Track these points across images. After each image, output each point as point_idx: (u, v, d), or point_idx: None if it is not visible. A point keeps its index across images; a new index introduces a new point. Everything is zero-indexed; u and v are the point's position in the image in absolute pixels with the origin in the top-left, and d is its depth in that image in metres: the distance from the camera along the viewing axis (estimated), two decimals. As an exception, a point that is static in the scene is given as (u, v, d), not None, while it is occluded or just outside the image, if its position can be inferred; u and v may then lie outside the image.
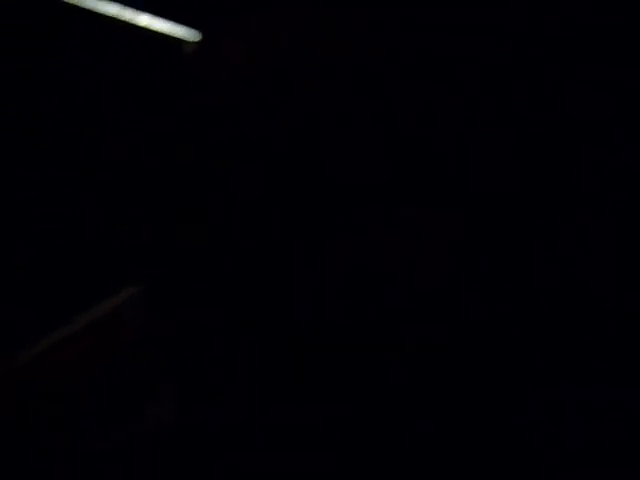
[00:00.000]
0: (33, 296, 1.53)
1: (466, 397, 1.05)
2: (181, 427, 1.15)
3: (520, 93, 1.00)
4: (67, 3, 1.53)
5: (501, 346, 1.06)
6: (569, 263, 1.03)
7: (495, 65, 1.01)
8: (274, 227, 1.09)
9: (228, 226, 1.13)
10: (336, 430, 1.08)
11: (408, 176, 1.05)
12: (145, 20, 1.56)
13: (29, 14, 1.57)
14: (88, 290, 1.47)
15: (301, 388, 1.11)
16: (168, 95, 1.44)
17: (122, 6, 1.57)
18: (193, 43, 1.48)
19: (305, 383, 1.10)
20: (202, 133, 1.20)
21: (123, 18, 1.55)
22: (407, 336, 1.05)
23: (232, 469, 1.11)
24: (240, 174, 1.11)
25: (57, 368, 1.39)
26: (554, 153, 1.02)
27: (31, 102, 1.58)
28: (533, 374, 1.02)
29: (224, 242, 1.12)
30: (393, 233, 1.06)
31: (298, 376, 1.11)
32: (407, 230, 1.05)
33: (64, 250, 1.56)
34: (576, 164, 0.99)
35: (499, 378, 1.05)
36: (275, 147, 1.09)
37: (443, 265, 1.02)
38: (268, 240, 1.10)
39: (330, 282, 1.08)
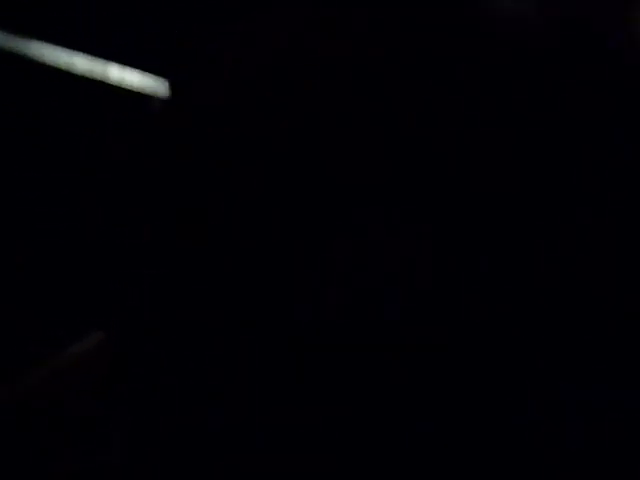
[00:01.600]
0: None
1: (466, 397, 1.06)
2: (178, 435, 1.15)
3: (521, 94, 1.00)
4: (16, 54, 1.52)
5: (500, 347, 1.06)
6: (568, 263, 1.03)
7: (494, 66, 1.01)
8: (273, 228, 1.09)
9: (227, 227, 1.12)
10: (336, 430, 1.09)
11: (408, 177, 1.05)
12: (105, 70, 1.54)
13: None
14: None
15: (301, 388, 1.11)
16: (131, 150, 1.44)
17: (89, 57, 1.56)
18: (160, 95, 1.46)
19: (305, 383, 1.10)
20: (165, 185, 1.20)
21: (82, 72, 1.54)
22: (406, 336, 1.05)
23: (232, 470, 1.11)
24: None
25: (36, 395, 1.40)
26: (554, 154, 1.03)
27: None
28: (533, 374, 1.02)
29: (223, 243, 1.11)
30: (393, 233, 1.06)
31: (298, 376, 1.11)
32: (406, 230, 1.05)
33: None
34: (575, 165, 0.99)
35: (498, 378, 1.05)
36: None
37: (443, 264, 1.02)
38: (267, 241, 1.09)
39: (330, 282, 1.08)
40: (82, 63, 1.52)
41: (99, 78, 1.51)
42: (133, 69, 1.50)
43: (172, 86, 1.33)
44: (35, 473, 1.34)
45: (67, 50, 1.53)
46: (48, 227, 1.50)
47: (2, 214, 1.52)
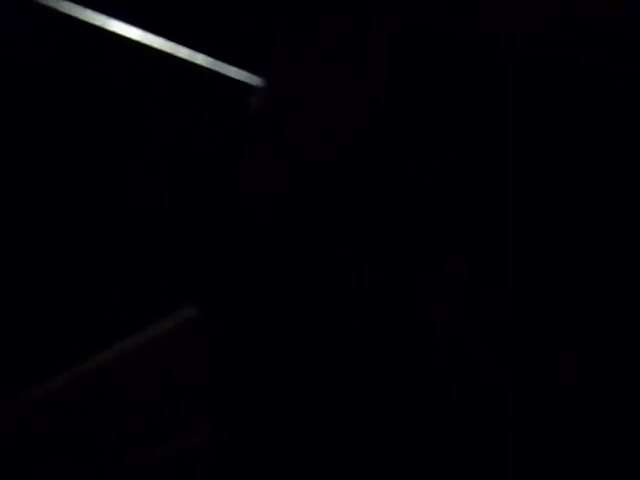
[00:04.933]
0: (74, 314, 1.56)
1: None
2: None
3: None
4: (119, 35, 1.57)
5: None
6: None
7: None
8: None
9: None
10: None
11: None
12: (203, 60, 1.55)
13: (78, 42, 1.63)
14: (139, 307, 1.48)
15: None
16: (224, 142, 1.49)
17: (177, 44, 1.57)
18: (258, 90, 1.47)
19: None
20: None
21: (179, 55, 1.57)
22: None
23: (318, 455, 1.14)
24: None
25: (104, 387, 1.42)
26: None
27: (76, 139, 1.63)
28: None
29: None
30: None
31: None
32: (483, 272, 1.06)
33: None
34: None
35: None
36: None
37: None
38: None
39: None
40: (185, 54, 1.60)
41: (201, 70, 1.58)
42: (233, 65, 1.56)
43: (269, 82, 1.37)
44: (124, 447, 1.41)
45: (171, 42, 1.62)
46: (145, 205, 1.58)
47: (100, 188, 1.61)
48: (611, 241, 1.05)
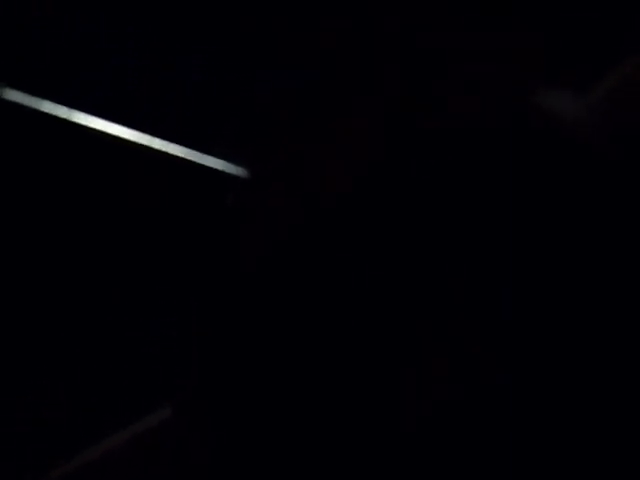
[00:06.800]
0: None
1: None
2: None
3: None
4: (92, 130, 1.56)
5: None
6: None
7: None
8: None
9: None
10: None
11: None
12: (181, 151, 1.52)
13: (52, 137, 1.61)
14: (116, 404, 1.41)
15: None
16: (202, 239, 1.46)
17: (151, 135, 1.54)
18: (239, 181, 1.45)
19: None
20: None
21: (151, 146, 1.54)
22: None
23: None
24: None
25: None
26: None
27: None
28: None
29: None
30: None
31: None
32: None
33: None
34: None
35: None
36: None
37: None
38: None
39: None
40: (169, 148, 1.60)
41: (183, 161, 1.57)
42: (214, 157, 1.55)
43: (250, 174, 1.37)
44: None
45: (156, 137, 1.61)
46: (116, 307, 1.55)
47: (80, 288, 1.58)
48: (612, 251, 1.06)
